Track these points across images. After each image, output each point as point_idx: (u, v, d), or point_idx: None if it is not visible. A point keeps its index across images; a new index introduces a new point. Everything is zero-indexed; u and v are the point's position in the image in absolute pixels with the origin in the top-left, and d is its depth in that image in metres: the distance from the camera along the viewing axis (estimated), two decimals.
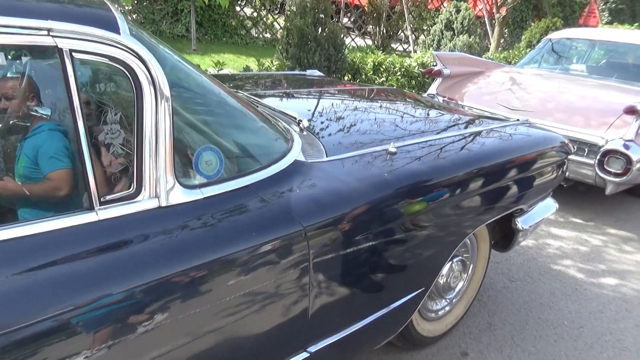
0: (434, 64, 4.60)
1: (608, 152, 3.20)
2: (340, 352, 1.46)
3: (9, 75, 1.08)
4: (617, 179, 3.20)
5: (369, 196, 1.38)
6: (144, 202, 1.04)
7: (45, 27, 0.89)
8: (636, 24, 11.40)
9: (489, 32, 9.61)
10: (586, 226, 3.49)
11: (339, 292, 1.35)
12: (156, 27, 8.11)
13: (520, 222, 2.10)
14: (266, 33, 9.84)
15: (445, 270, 1.90)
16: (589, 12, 13.69)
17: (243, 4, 9.42)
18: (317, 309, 1.29)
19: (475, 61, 4.70)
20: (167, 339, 1.01)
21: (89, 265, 0.91)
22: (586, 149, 3.35)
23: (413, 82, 5.97)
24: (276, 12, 10.44)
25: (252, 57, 7.39)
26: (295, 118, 1.69)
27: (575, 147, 3.13)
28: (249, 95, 1.99)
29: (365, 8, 10.94)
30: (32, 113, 1.08)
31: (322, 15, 4.92)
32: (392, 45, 11.21)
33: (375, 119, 2.03)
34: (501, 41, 9.58)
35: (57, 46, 0.91)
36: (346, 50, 5.29)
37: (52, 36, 0.90)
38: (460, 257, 2.01)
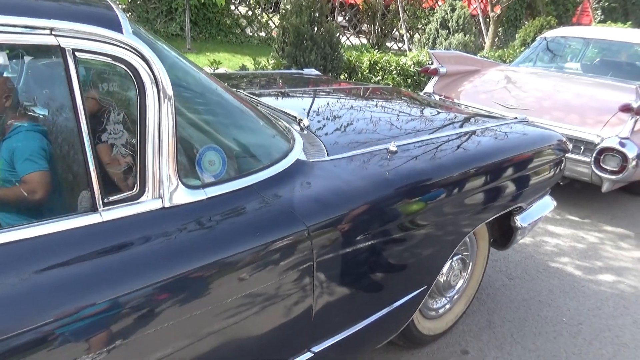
0: (430, 62, 4.61)
1: (604, 150, 3.22)
2: (343, 352, 1.46)
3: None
4: (613, 177, 3.22)
5: (372, 195, 1.38)
6: (148, 203, 1.03)
7: (47, 26, 0.88)
8: (629, 23, 11.47)
9: (483, 31, 9.64)
10: (582, 223, 3.51)
11: (343, 292, 1.35)
12: (150, 26, 8.06)
13: (519, 220, 2.11)
14: (261, 32, 9.81)
15: (445, 268, 1.91)
16: (582, 10, 13.77)
17: (237, 2, 9.39)
18: (320, 308, 1.29)
19: (471, 60, 4.71)
20: (172, 340, 1.00)
21: (95, 267, 0.90)
22: (582, 147, 3.37)
23: (409, 80, 5.98)
24: (271, 10, 10.41)
25: (247, 56, 7.37)
26: (296, 117, 1.69)
27: (571, 145, 3.14)
28: (247, 94, 1.98)
29: (360, 7, 10.94)
30: (9, 113, 1.07)
31: (315, 14, 4.90)
32: (387, 44, 11.22)
33: (375, 118, 2.03)
34: (495, 40, 9.61)
35: (59, 45, 0.90)
36: (342, 49, 5.28)
37: (55, 35, 0.89)
38: (460, 255, 2.02)
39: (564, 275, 2.78)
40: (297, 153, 1.40)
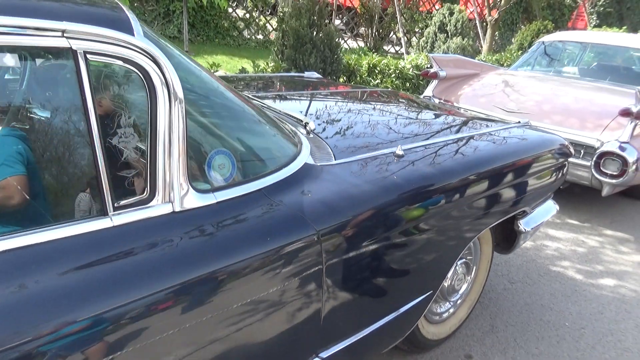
0: (429, 66, 4.62)
1: (604, 154, 3.23)
2: (349, 357, 1.44)
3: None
4: (613, 181, 3.23)
5: (380, 199, 1.37)
6: (158, 207, 1.01)
7: (59, 28, 0.87)
8: (624, 28, 11.56)
9: (480, 35, 9.68)
10: (582, 227, 3.52)
11: (351, 296, 1.34)
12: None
13: (523, 224, 2.11)
14: (258, 34, 9.81)
15: (450, 272, 1.90)
16: (578, 15, 13.87)
17: (235, 5, 9.38)
18: (329, 313, 1.27)
19: (470, 63, 4.73)
20: (181, 345, 0.99)
21: (106, 273, 0.89)
22: (582, 151, 3.38)
23: (407, 84, 5.99)
24: (268, 13, 10.41)
25: (245, 59, 7.37)
26: (302, 120, 1.68)
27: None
28: (252, 97, 1.97)
29: (358, 10, 10.97)
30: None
31: (314, 17, 4.90)
32: (384, 47, 11.25)
33: (379, 121, 2.02)
34: (492, 43, 9.65)
35: (71, 48, 0.88)
36: (341, 52, 5.29)
37: (67, 37, 0.88)
38: (464, 260, 2.01)
39: (565, 279, 2.78)
40: (305, 157, 1.39)
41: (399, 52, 10.79)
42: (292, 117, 1.73)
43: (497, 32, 11.17)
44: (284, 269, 1.14)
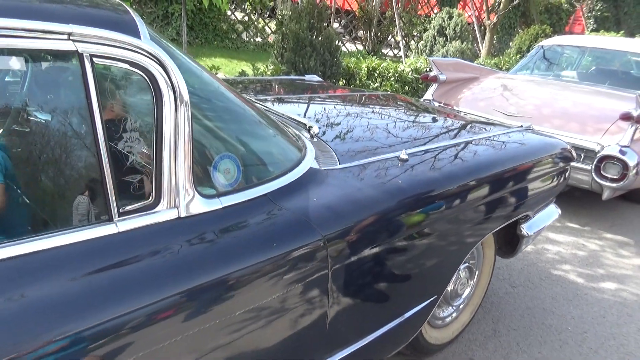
0: (428, 69, 4.62)
1: (605, 158, 3.23)
2: None
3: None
4: (613, 185, 3.23)
5: (386, 204, 1.36)
6: (163, 213, 1.00)
7: (65, 31, 0.86)
8: (622, 32, 11.62)
9: (479, 38, 9.70)
10: (583, 231, 3.52)
11: (356, 302, 1.33)
12: None
13: (526, 229, 2.10)
14: (257, 37, 9.81)
15: (453, 277, 1.89)
16: (575, 19, 13.94)
17: (233, 7, 9.38)
18: (334, 319, 1.26)
19: (470, 67, 4.73)
20: (189, 352, 0.97)
21: (112, 279, 0.88)
22: (582, 155, 3.38)
23: (406, 87, 5.99)
24: (267, 16, 10.42)
25: (244, 61, 7.36)
26: (305, 124, 1.67)
27: None
28: (254, 101, 1.96)
29: (356, 13, 10.98)
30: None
31: (314, 20, 4.90)
32: (383, 50, 11.26)
33: (382, 125, 2.02)
34: (491, 47, 9.68)
35: (77, 51, 0.87)
36: (341, 55, 5.29)
37: (73, 40, 0.87)
38: (467, 264, 2.01)
39: (567, 283, 2.78)
40: (310, 161, 1.38)
41: (397, 55, 10.81)
42: (296, 120, 1.72)
43: (495, 36, 11.21)
44: (290, 274, 1.13)
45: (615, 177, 3.21)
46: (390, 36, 11.34)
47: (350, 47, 10.78)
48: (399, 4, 10.13)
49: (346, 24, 11.39)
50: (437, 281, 1.65)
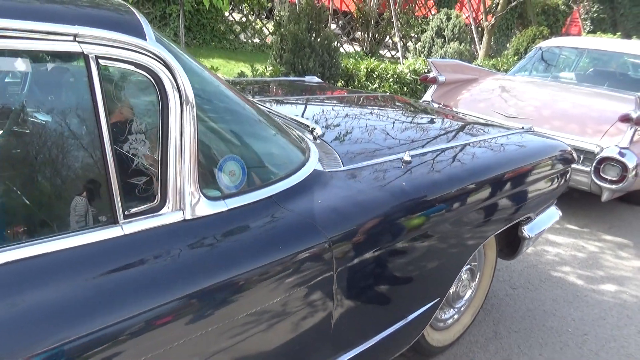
0: (427, 70, 4.63)
1: (604, 160, 3.24)
2: None
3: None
4: (613, 186, 3.24)
5: (390, 206, 1.36)
6: (169, 215, 0.99)
7: (71, 32, 0.85)
8: (618, 34, 11.68)
9: (476, 40, 9.73)
10: (582, 233, 3.53)
11: (361, 304, 1.32)
12: None
13: (527, 230, 2.10)
14: (255, 38, 9.81)
15: (456, 279, 1.89)
16: (572, 20, 13.99)
17: (231, 8, 9.37)
18: (339, 321, 1.26)
19: (468, 68, 4.74)
20: (196, 354, 0.97)
21: (117, 282, 0.87)
22: (581, 156, 3.39)
23: (405, 88, 6.00)
24: (264, 17, 10.41)
25: (242, 62, 7.36)
26: (308, 126, 1.67)
27: None
28: (257, 102, 1.95)
29: (354, 14, 11.00)
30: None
31: (311, 22, 4.90)
32: (380, 51, 11.28)
33: (384, 127, 2.01)
34: (488, 48, 9.70)
35: (83, 52, 0.86)
36: (339, 56, 5.29)
37: (78, 42, 0.86)
38: (469, 266, 2.00)
39: (567, 285, 2.78)
40: (314, 163, 1.37)
41: (395, 56, 10.82)
42: (298, 122, 1.71)
43: (492, 38, 11.24)
44: (296, 277, 1.12)
45: (614, 178, 3.22)
46: (387, 37, 11.35)
47: (347, 48, 10.78)
48: (397, 5, 10.15)
49: (344, 25, 11.40)
50: (440, 283, 1.65)
